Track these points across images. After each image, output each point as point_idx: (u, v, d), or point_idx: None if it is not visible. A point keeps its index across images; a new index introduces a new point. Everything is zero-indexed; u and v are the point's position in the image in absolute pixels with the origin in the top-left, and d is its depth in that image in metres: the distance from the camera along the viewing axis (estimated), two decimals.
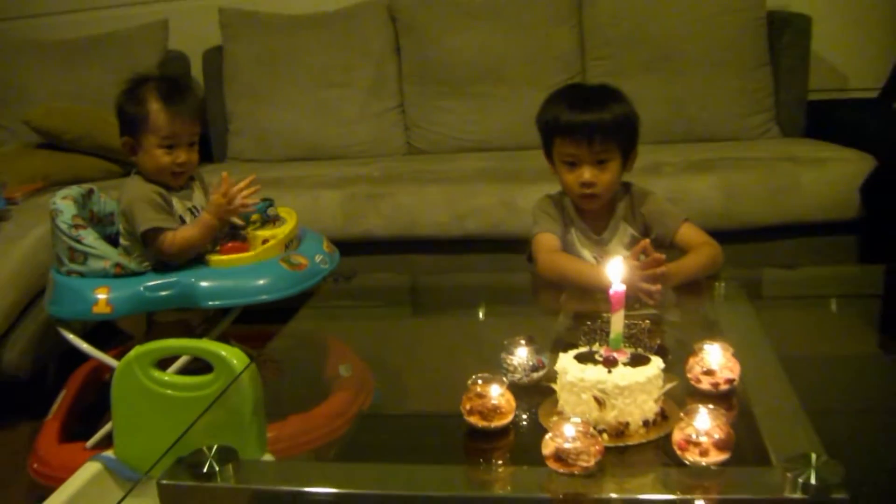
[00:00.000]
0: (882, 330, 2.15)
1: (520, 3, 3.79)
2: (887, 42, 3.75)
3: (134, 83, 2.34)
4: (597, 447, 1.23)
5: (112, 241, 2.42)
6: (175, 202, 2.36)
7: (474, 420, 1.41)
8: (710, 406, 1.27)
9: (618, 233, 2.24)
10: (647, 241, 2.02)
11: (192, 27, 4.18)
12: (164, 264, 2.31)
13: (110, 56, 4.06)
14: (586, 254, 2.24)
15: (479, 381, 1.43)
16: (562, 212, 2.27)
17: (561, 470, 1.22)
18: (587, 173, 2.11)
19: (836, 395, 1.68)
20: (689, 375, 1.51)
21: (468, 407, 1.42)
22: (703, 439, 1.23)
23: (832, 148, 3.23)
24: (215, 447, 1.30)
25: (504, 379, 1.47)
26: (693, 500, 1.20)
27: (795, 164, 3.09)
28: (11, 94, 4.11)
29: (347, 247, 2.73)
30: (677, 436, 1.26)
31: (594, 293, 2.01)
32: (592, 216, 2.25)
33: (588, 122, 2.08)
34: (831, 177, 3.03)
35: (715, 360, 1.50)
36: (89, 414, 2.51)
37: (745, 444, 1.29)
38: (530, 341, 1.59)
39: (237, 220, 2.36)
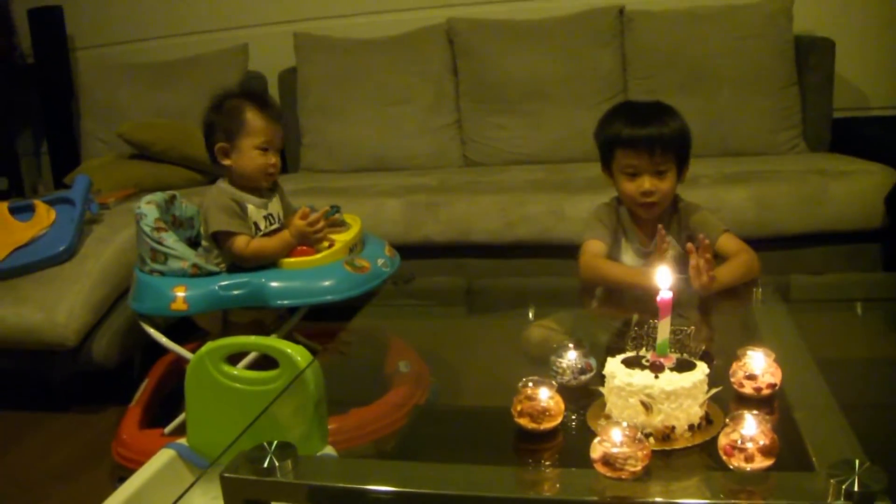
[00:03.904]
0: None
1: (567, 27, 3.73)
2: None
3: (223, 97, 2.34)
4: (644, 452, 1.13)
5: (193, 243, 2.41)
6: (251, 209, 2.31)
7: (524, 422, 1.33)
8: (755, 412, 1.17)
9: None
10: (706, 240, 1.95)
11: (270, 50, 4.18)
12: (237, 266, 2.28)
13: (196, 77, 4.05)
14: (632, 265, 2.17)
15: (530, 384, 1.34)
16: (616, 221, 2.21)
17: (609, 474, 1.12)
18: (647, 182, 2.06)
19: (864, 393, 1.61)
20: (732, 380, 1.42)
21: (518, 409, 1.33)
22: (749, 445, 1.14)
23: (857, 162, 3.15)
24: (275, 443, 1.23)
25: (553, 382, 1.36)
26: None
27: (823, 177, 3.00)
28: (109, 112, 4.10)
29: (407, 251, 2.70)
30: (723, 441, 1.17)
31: (623, 299, 1.99)
32: (644, 228, 2.18)
33: (649, 135, 2.04)
34: (857, 188, 2.94)
35: (758, 365, 1.41)
36: (170, 401, 2.48)
37: (787, 449, 1.19)
38: (579, 345, 1.50)
39: (318, 246, 2.32)
